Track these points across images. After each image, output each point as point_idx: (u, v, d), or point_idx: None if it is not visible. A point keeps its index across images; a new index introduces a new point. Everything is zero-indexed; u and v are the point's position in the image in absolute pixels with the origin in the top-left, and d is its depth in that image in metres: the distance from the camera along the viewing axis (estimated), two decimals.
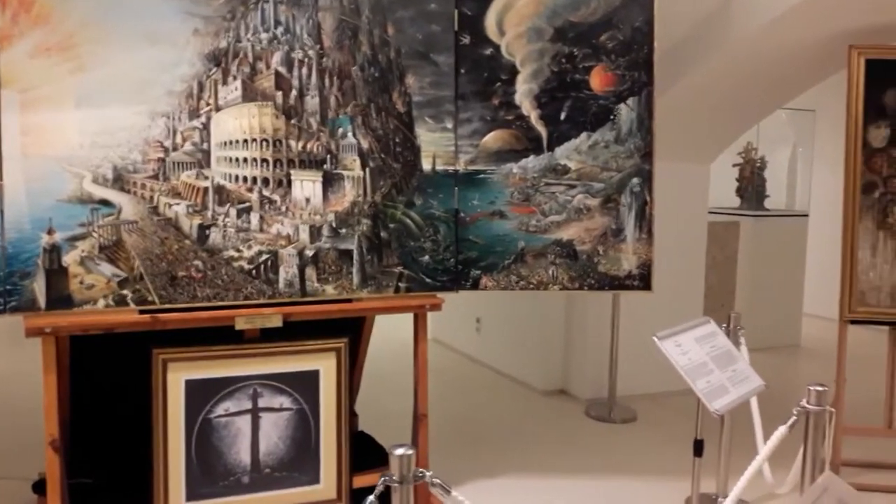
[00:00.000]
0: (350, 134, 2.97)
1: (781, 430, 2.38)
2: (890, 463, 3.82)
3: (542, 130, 3.29)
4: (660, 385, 4.55)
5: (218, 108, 2.86)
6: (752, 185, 6.34)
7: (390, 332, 4.35)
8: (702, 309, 5.02)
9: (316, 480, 2.97)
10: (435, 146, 3.17)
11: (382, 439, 3.71)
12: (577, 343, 4.98)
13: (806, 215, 6.58)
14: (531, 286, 3.35)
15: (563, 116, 3.30)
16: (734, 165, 6.44)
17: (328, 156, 2.95)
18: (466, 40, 3.19)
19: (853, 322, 3.58)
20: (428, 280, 3.18)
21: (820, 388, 2.34)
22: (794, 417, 2.34)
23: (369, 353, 3.64)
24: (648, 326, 3.08)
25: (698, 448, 2.85)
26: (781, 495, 3.29)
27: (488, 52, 3.21)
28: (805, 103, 6.18)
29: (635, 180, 3.38)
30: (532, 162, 3.30)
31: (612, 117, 3.35)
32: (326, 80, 2.94)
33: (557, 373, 5.07)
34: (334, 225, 2.96)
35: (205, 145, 2.85)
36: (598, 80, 3.33)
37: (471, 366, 5.64)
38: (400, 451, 1.78)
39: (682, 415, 3.10)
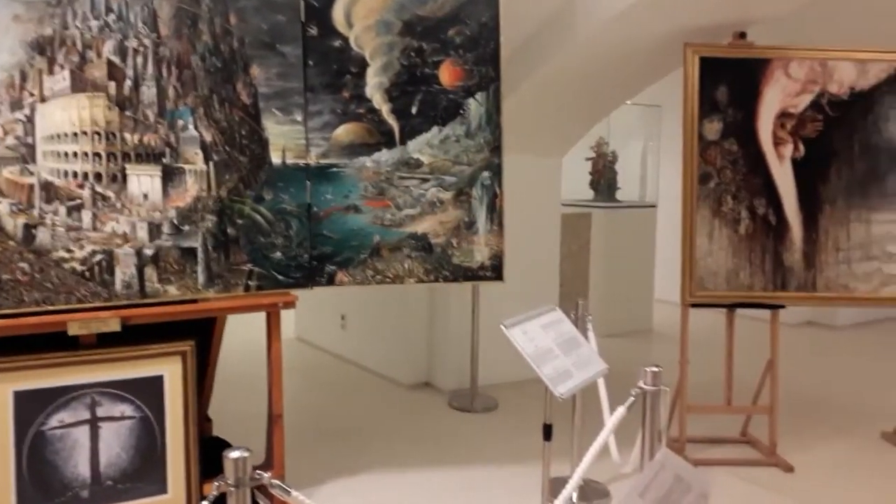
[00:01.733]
0: (191, 126, 2.84)
1: (620, 411, 2.48)
2: (730, 438, 4.10)
3: (393, 124, 3.28)
4: (520, 373, 4.61)
5: (43, 99, 2.66)
6: (604, 178, 6.63)
7: (249, 332, 4.21)
8: (558, 297, 5.20)
9: (163, 490, 2.83)
10: (284, 139, 3.09)
11: (240, 443, 3.59)
12: (440, 335, 5.03)
13: (654, 206, 6.96)
14: (387, 280, 3.34)
15: (414, 110, 3.30)
16: (587, 159, 6.72)
17: (167, 149, 2.81)
18: (314, 31, 3.12)
19: (694, 305, 3.81)
20: (280, 277, 3.10)
21: (655, 370, 2.46)
22: (631, 398, 2.45)
23: (226, 354, 3.51)
24: (507, 316, 3.13)
25: (547, 433, 2.94)
26: (627, 474, 3.46)
27: (337, 44, 3.16)
28: (652, 99, 6.54)
29: (485, 174, 3.43)
30: (385, 155, 3.28)
31: (461, 112, 3.39)
32: (164, 70, 2.79)
33: (422, 366, 5.09)
34: (176, 222, 2.82)
35: (29, 139, 2.64)
36: (448, 74, 3.36)
37: (336, 363, 5.57)
38: (234, 455, 1.71)
39: (542, 401, 3.20)
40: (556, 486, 3.47)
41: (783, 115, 3.77)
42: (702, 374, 4.18)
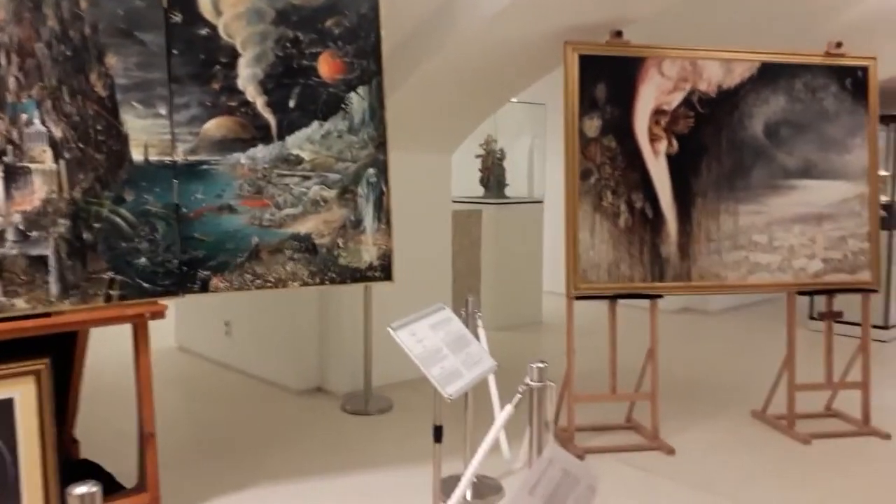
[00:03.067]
0: (37, 120, 2.57)
1: (507, 409, 2.46)
2: (616, 424, 4.20)
3: (270, 118, 3.12)
4: (416, 371, 4.55)
5: None
6: (493, 174, 6.68)
7: (124, 343, 3.93)
8: (451, 294, 5.18)
9: None
10: (147, 134, 2.86)
11: (112, 465, 3.33)
12: (331, 338, 4.88)
13: (541, 202, 7.08)
14: (268, 285, 3.17)
15: (292, 104, 3.15)
16: (477, 156, 6.75)
17: (9, 146, 2.53)
18: (178, 18, 2.92)
19: (578, 298, 3.86)
20: (146, 285, 2.87)
21: (541, 365, 2.44)
22: (518, 395, 2.43)
23: (98, 367, 3.24)
24: (401, 315, 3.05)
25: (437, 434, 2.88)
26: (518, 470, 3.46)
27: (204, 32, 2.97)
28: (537, 97, 6.64)
29: (371, 171, 3.34)
30: (262, 152, 3.12)
31: (343, 106, 3.28)
32: (3, 59, 2.51)
33: (313, 370, 4.93)
34: (22, 227, 2.55)
35: None
36: (327, 67, 3.24)
37: (221, 372, 5.31)
38: (80, 491, 1.52)
39: (441, 400, 3.16)
40: (449, 485, 3.43)
41: (658, 112, 3.88)
42: (590, 363, 4.26)
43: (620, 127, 3.85)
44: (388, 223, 3.36)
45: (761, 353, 4.26)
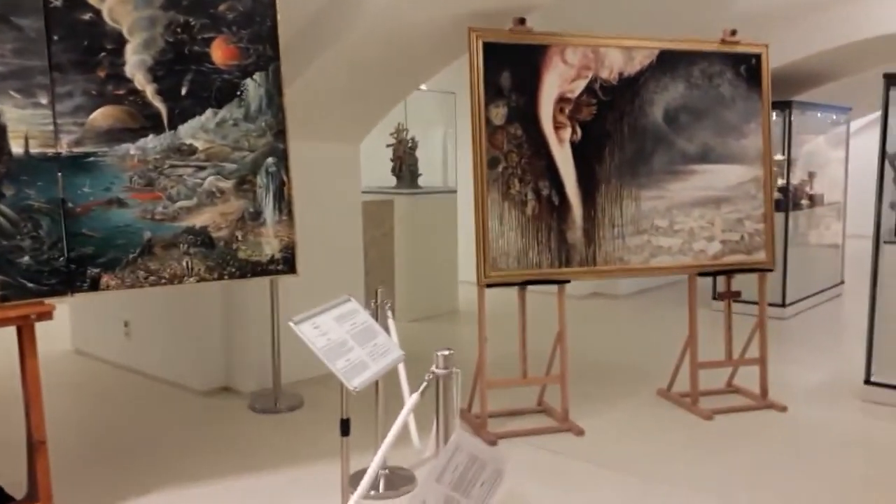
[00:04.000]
0: None
1: (413, 398, 2.43)
2: (528, 409, 4.25)
3: (160, 107, 2.99)
4: (326, 367, 4.51)
5: None
6: (405, 164, 6.63)
7: (9, 348, 3.70)
8: (363, 286, 5.11)
9: None
10: (26, 125, 2.70)
11: (1, 475, 3.14)
12: (237, 335, 4.75)
13: (455, 191, 7.08)
14: (163, 281, 3.04)
15: (184, 91, 3.03)
16: (388, 146, 6.68)
17: None
18: (58, 3, 2.75)
19: (489, 286, 3.87)
20: (31, 285, 2.71)
21: (446, 353, 2.43)
22: (424, 383, 2.41)
23: None
24: (311, 309, 2.98)
25: (345, 428, 2.83)
26: (429, 458, 3.45)
27: (87, 17, 2.81)
28: (447, 86, 6.63)
29: (270, 160, 3.24)
30: (152, 142, 2.98)
31: (239, 93, 3.17)
32: None
33: (219, 369, 4.78)
34: None
35: None
36: (220, 52, 3.13)
37: (122, 375, 5.08)
38: None
39: (349, 394, 3.11)
40: (360, 478, 3.39)
41: (561, 100, 3.92)
42: (504, 349, 4.28)
43: (526, 115, 3.87)
44: (290, 214, 3.28)
45: (668, 333, 4.39)
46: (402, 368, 3.22)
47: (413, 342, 5.86)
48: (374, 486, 3.35)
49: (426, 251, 6.56)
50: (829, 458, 3.63)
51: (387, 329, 3.26)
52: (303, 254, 4.42)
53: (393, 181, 6.86)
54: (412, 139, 6.69)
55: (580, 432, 3.90)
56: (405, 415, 2.38)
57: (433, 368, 2.42)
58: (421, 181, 6.95)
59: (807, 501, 3.19)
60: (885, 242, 4.38)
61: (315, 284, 3.96)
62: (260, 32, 3.19)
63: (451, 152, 7.73)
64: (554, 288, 3.96)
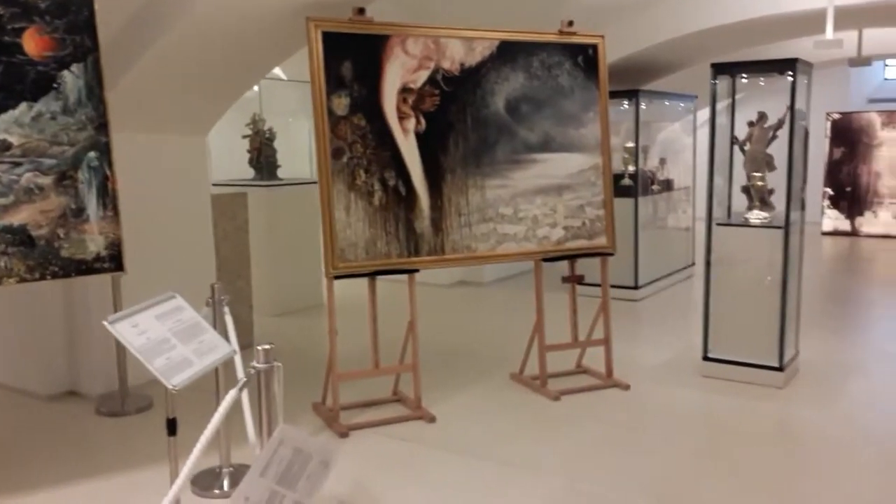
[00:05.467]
0: None
1: (232, 394, 2.40)
2: (383, 399, 4.28)
3: None
4: None
5: None
6: (263, 155, 6.48)
7: None
8: (215, 281, 4.97)
9: None
10: None
11: None
12: (81, 337, 4.52)
13: (317, 182, 6.98)
14: None
15: None
16: (244, 137, 6.51)
17: None
18: None
19: (337, 277, 3.86)
20: None
21: (267, 347, 2.41)
22: (244, 378, 2.38)
23: None
24: None
25: (171, 428, 2.76)
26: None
27: None
28: (301, 74, 6.52)
29: (92, 154, 3.10)
30: None
31: (55, 85, 3.01)
32: None
33: (62, 373, 4.54)
34: None
35: None
36: (34, 43, 2.96)
37: None
38: None
39: (200, 392, 3.02)
40: (204, 478, 3.32)
41: (404, 91, 3.95)
42: (367, 340, 4.26)
43: (369, 105, 3.87)
44: (116, 210, 3.15)
45: (528, 319, 4.53)
46: (239, 364, 3.16)
47: (273, 337, 5.78)
48: (218, 484, 3.30)
49: (287, 244, 6.46)
50: (667, 432, 3.86)
51: (224, 325, 3.20)
52: (146, 250, 4.27)
53: (252, 173, 6.70)
54: (269, 130, 6.55)
55: (432, 419, 3.97)
56: (223, 412, 2.35)
57: (254, 363, 2.40)
58: (283, 173, 6.82)
59: (645, 475, 3.38)
60: (717, 224, 4.68)
61: (163, 280, 3.80)
62: (76, 22, 3.03)
63: (313, 143, 7.61)
64: (418, 277, 4.01)
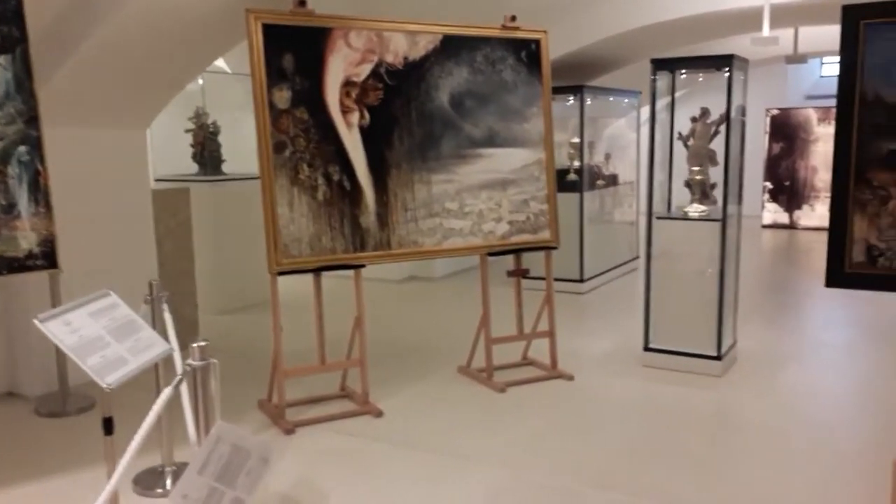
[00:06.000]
0: None
1: (167, 392, 2.37)
2: (331, 395, 4.26)
3: None
4: None
5: None
6: (206, 150, 6.37)
7: None
8: (157, 277, 4.88)
9: None
10: None
11: None
12: (19, 337, 4.39)
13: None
14: None
15: None
16: (187, 131, 6.39)
17: None
18: None
19: (280, 273, 3.82)
20: None
21: (202, 344, 2.38)
22: (178, 376, 2.35)
23: None
24: None
25: (107, 427, 2.70)
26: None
27: None
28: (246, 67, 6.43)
29: (22, 148, 3.01)
30: None
31: None
32: None
33: (0, 374, 4.40)
34: None
35: None
36: None
37: None
38: None
39: (142, 391, 2.96)
40: (147, 477, 3.27)
41: (348, 84, 3.93)
42: (310, 337, 4.23)
43: (311, 98, 3.84)
44: (48, 206, 3.07)
45: (475, 313, 4.57)
46: (178, 361, 3.10)
47: (220, 335, 5.71)
48: (161, 483, 3.24)
49: (233, 240, 6.36)
50: (608, 421, 3.94)
51: (163, 322, 3.15)
52: (84, 247, 4.17)
53: (195, 168, 6.57)
54: (213, 124, 6.43)
55: (379, 414, 3.97)
56: (157, 410, 2.31)
57: (189, 360, 2.37)
58: (229, 167, 6.72)
59: (587, 463, 3.44)
60: (657, 218, 4.77)
61: (101, 279, 3.71)
62: (4, 12, 2.94)
63: None
64: (367, 272, 4.00)
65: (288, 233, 3.81)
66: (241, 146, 7.25)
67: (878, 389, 4.34)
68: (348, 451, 3.58)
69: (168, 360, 2.96)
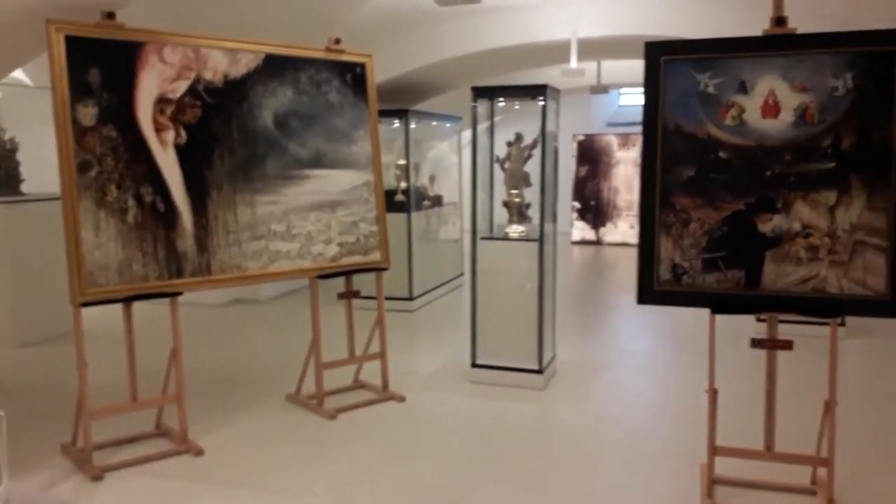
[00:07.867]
0: None
1: None
2: (145, 433, 3.94)
3: None
4: None
5: None
6: (2, 168, 5.72)
7: None
8: None
9: None
10: None
11: None
12: None
13: None
14: None
15: None
16: None
17: None
18: None
19: (85, 304, 3.50)
20: None
21: None
22: None
23: None
24: None
25: None
26: None
27: None
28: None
29: None
30: None
31: None
32: None
33: None
34: None
35: None
36: None
37: None
38: None
39: None
40: None
41: (162, 101, 3.70)
42: (122, 370, 3.89)
43: (121, 115, 3.57)
44: None
45: (305, 336, 4.42)
46: None
47: (17, 371, 5.13)
48: None
49: (34, 266, 5.76)
50: (438, 440, 3.97)
51: None
52: None
53: None
54: (11, 140, 5.81)
55: (199, 452, 3.73)
56: None
57: None
58: (31, 187, 6.08)
59: (416, 484, 3.43)
60: (481, 238, 4.92)
61: None
62: None
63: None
64: (183, 299, 3.75)
65: (93, 259, 3.50)
66: (46, 164, 6.62)
67: (682, 394, 4.74)
68: (164, 495, 3.32)
69: None
